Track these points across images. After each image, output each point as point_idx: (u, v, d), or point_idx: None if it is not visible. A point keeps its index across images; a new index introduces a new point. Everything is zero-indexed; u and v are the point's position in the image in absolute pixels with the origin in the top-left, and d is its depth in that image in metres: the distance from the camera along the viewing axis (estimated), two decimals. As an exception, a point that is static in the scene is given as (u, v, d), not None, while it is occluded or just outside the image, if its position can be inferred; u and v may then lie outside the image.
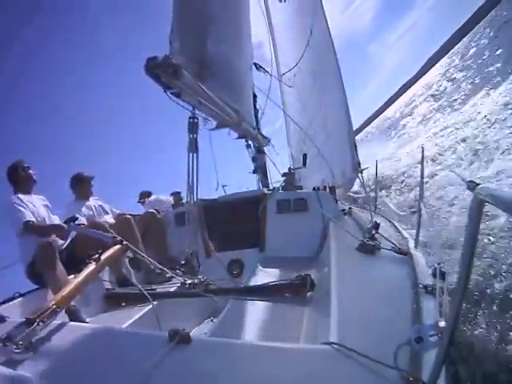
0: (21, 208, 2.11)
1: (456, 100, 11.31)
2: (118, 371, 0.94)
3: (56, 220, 2.39)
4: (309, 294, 1.77)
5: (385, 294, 1.26)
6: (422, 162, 2.10)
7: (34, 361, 1.01)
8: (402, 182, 7.61)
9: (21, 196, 2.20)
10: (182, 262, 2.51)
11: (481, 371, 2.23)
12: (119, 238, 1.93)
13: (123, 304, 2.12)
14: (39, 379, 0.91)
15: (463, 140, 7.66)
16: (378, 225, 2.08)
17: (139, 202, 4.25)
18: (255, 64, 4.40)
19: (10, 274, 2.20)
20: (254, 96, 4.34)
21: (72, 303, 1.74)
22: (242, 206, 3.19)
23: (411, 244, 1.93)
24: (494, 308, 2.76)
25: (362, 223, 2.45)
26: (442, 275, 1.43)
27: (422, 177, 2.12)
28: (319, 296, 1.67)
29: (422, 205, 2.01)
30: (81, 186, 2.84)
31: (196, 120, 2.25)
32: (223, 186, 3.59)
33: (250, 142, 4.41)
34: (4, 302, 1.86)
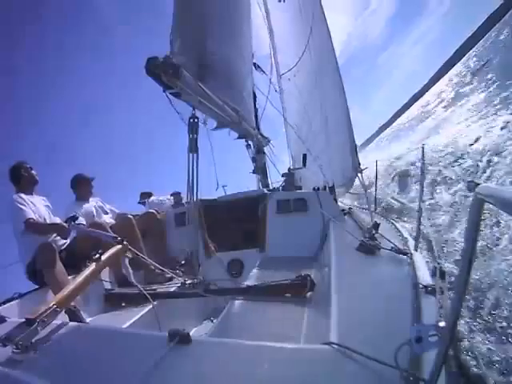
0: (22, 206, 2.11)
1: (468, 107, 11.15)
2: (118, 371, 0.94)
3: (57, 221, 2.39)
4: (309, 294, 1.77)
5: (385, 294, 1.25)
6: (422, 161, 2.10)
7: (33, 361, 1.01)
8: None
9: (23, 195, 2.20)
10: (182, 262, 2.51)
11: (481, 371, 2.23)
12: (120, 238, 1.93)
13: (123, 304, 2.12)
14: (39, 379, 0.91)
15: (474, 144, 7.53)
16: (378, 225, 2.08)
17: (140, 202, 4.26)
18: (254, 64, 4.41)
19: (10, 274, 2.20)
20: (254, 96, 4.35)
21: (72, 303, 1.74)
22: (241, 206, 3.19)
23: (411, 244, 1.93)
24: (494, 308, 2.76)
25: (362, 223, 2.45)
26: (442, 275, 1.43)
27: (423, 176, 2.12)
28: (319, 296, 1.67)
29: (422, 205, 2.01)
30: (81, 186, 2.85)
31: (196, 120, 2.25)
32: (223, 186, 3.59)
33: (250, 142, 4.42)
34: (4, 302, 1.85)
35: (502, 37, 15.11)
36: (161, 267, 2.21)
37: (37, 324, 1.13)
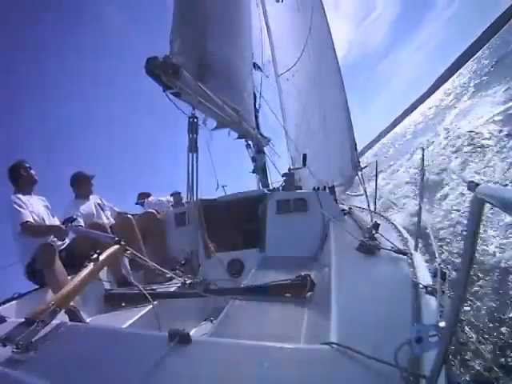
0: (20, 208, 2.11)
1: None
2: (118, 371, 0.94)
3: (56, 221, 2.39)
4: (309, 294, 1.77)
5: (385, 294, 1.25)
6: (422, 163, 2.10)
7: (33, 361, 1.01)
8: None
9: (21, 196, 2.20)
10: (182, 262, 2.51)
11: (481, 371, 2.23)
12: (118, 238, 1.93)
13: (123, 304, 2.12)
14: (39, 379, 0.91)
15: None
16: (378, 225, 2.08)
17: (137, 203, 4.25)
18: (254, 64, 4.41)
19: (10, 274, 2.20)
20: (254, 96, 4.35)
21: (72, 303, 1.74)
22: (241, 206, 3.19)
23: (411, 244, 1.93)
24: (494, 308, 2.76)
25: (362, 223, 2.45)
26: (443, 275, 1.43)
27: (423, 177, 2.12)
28: (319, 296, 1.67)
29: (422, 205, 2.01)
30: (81, 184, 2.84)
31: (196, 120, 2.25)
32: (223, 186, 3.59)
33: (249, 142, 4.42)
34: (4, 302, 1.85)
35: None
36: (160, 267, 2.22)
37: (36, 324, 1.13)
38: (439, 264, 1.48)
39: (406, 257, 1.62)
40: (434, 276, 1.41)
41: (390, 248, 1.73)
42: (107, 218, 2.88)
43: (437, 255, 1.74)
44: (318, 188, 3.34)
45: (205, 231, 3.00)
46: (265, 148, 4.58)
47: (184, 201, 3.62)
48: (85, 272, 1.57)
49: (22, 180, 2.29)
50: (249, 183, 4.88)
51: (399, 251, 1.68)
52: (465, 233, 0.68)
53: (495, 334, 2.51)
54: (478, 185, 0.68)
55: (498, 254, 3.41)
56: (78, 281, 1.52)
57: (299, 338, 1.32)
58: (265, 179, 4.63)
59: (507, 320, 2.57)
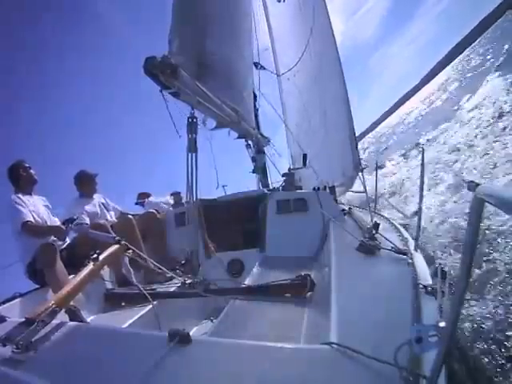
0: (20, 208, 2.11)
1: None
2: (118, 371, 0.94)
3: (56, 221, 2.39)
4: (309, 294, 1.77)
5: (385, 294, 1.25)
6: (422, 162, 2.10)
7: (33, 361, 1.01)
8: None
9: (21, 196, 2.20)
10: (182, 262, 2.51)
11: (481, 371, 2.23)
12: (118, 237, 1.93)
13: (123, 304, 2.12)
14: (39, 379, 0.91)
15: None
16: (378, 225, 2.08)
17: (137, 203, 4.25)
18: (255, 63, 4.40)
19: (10, 274, 2.20)
20: (254, 96, 4.34)
21: (72, 303, 1.75)
22: (241, 206, 3.19)
23: (411, 244, 1.93)
24: (494, 307, 2.76)
25: (362, 223, 2.45)
26: (443, 275, 1.43)
27: (422, 177, 2.12)
28: (319, 296, 1.67)
29: (422, 205, 2.01)
30: (84, 183, 2.83)
31: (195, 120, 2.25)
32: (223, 186, 3.59)
33: (249, 142, 4.41)
34: (4, 302, 1.85)
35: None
36: (161, 267, 2.21)
37: (36, 324, 1.13)
38: (439, 264, 1.48)
39: (406, 257, 1.62)
40: (435, 275, 1.41)
41: (390, 248, 1.73)
42: (111, 218, 2.88)
43: (436, 255, 1.74)
44: (318, 188, 3.34)
45: (205, 231, 3.00)
46: (265, 148, 4.58)
47: (184, 201, 3.62)
48: (85, 272, 1.57)
49: (21, 180, 2.28)
50: (249, 183, 4.88)
51: (399, 251, 1.68)
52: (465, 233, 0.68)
53: (495, 333, 2.50)
54: (478, 185, 0.68)
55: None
56: (77, 281, 1.52)
57: (299, 338, 1.32)
58: (265, 179, 4.62)
59: (507, 320, 2.57)
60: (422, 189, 2.12)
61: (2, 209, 2.23)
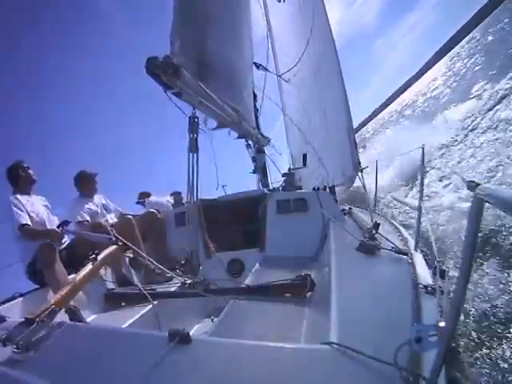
0: (17, 210, 2.11)
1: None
2: (118, 371, 0.94)
3: (55, 220, 2.39)
4: (309, 294, 1.77)
5: (385, 294, 1.25)
6: (422, 162, 2.10)
7: (33, 361, 1.01)
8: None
9: (19, 197, 2.20)
10: (182, 262, 2.51)
11: (481, 371, 2.23)
12: (116, 238, 1.93)
13: (123, 304, 2.13)
14: (39, 379, 0.91)
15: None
16: (378, 225, 2.08)
17: (138, 202, 4.25)
18: (255, 63, 4.41)
19: (10, 274, 2.20)
20: (254, 96, 4.35)
21: (72, 303, 1.75)
22: (241, 206, 3.19)
23: (411, 244, 1.93)
24: (494, 307, 2.76)
25: (362, 223, 2.45)
26: (442, 274, 1.43)
27: (422, 177, 2.12)
28: (319, 296, 1.67)
29: (422, 205, 2.01)
30: (84, 183, 2.83)
31: (196, 120, 2.25)
32: (223, 186, 3.59)
33: (250, 142, 4.42)
34: (4, 302, 1.85)
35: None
36: (161, 267, 2.21)
37: (36, 324, 1.13)
38: (439, 263, 1.48)
39: (406, 257, 1.62)
40: (434, 275, 1.41)
41: (390, 248, 1.73)
42: (111, 219, 2.88)
43: (436, 255, 1.74)
44: (318, 188, 3.34)
45: (205, 231, 3.00)
46: (265, 148, 4.59)
47: (184, 201, 3.62)
48: (83, 272, 1.58)
49: (20, 180, 2.29)
50: (249, 183, 4.88)
51: (399, 251, 1.69)
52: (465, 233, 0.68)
53: (495, 333, 2.51)
54: (478, 185, 0.68)
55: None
56: (76, 281, 1.52)
57: (299, 338, 1.32)
58: (265, 179, 4.63)
59: (507, 320, 2.57)
60: (422, 189, 2.12)
61: (1, 209, 2.23)
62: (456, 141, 7.97)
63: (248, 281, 2.12)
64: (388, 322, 1.05)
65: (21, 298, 1.92)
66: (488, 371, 2.22)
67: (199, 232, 2.81)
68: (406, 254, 1.64)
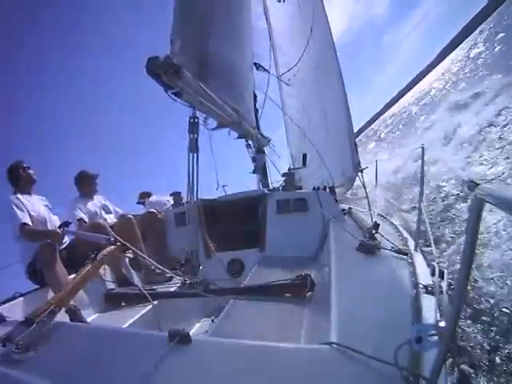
0: (18, 210, 2.10)
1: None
2: (118, 371, 0.94)
3: (56, 220, 2.39)
4: (309, 294, 1.77)
5: (385, 294, 1.26)
6: (422, 162, 2.10)
7: (33, 361, 1.01)
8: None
9: (20, 196, 2.19)
10: (182, 262, 2.51)
11: (481, 371, 2.23)
12: (114, 238, 1.93)
13: (123, 304, 2.13)
14: (39, 379, 0.91)
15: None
16: (378, 225, 2.08)
17: (138, 202, 4.25)
18: (255, 64, 4.41)
19: (10, 274, 2.20)
20: (254, 96, 4.35)
21: (72, 303, 1.75)
22: (241, 206, 3.19)
23: (411, 244, 1.93)
24: (494, 307, 2.76)
25: (362, 223, 2.45)
26: (441, 275, 1.43)
27: (422, 177, 2.12)
28: (319, 296, 1.67)
29: (422, 205, 2.01)
30: (84, 183, 2.83)
31: (196, 120, 2.25)
32: (223, 186, 3.59)
33: (250, 142, 4.41)
34: (4, 302, 1.85)
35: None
36: (160, 267, 2.21)
37: (36, 324, 1.13)
38: (438, 263, 1.48)
39: (406, 257, 1.62)
40: (433, 275, 1.41)
41: (390, 248, 1.73)
42: (110, 220, 2.88)
43: (436, 255, 1.74)
44: (318, 188, 3.34)
45: (205, 231, 3.00)
46: (265, 148, 4.58)
47: (184, 201, 3.62)
48: (82, 272, 1.58)
49: (21, 180, 2.29)
50: (249, 183, 4.88)
51: (399, 251, 1.69)
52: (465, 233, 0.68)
53: (496, 332, 2.51)
54: (478, 185, 0.68)
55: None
56: (75, 281, 1.53)
57: (299, 338, 1.32)
58: (265, 179, 4.62)
59: (507, 319, 2.57)
60: (422, 189, 2.12)
61: (1, 209, 2.23)
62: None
63: (248, 281, 2.12)
64: (388, 322, 1.05)
65: (21, 298, 1.92)
66: (488, 371, 2.22)
67: (199, 232, 2.81)
68: (406, 254, 1.64)
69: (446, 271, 1.70)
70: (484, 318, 2.71)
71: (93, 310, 2.11)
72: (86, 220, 2.59)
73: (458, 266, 3.15)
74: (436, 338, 0.73)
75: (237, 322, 1.60)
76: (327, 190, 3.45)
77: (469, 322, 2.70)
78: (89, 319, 1.94)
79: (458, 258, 3.53)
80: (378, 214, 3.20)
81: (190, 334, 1.00)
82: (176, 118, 2.23)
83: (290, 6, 5.26)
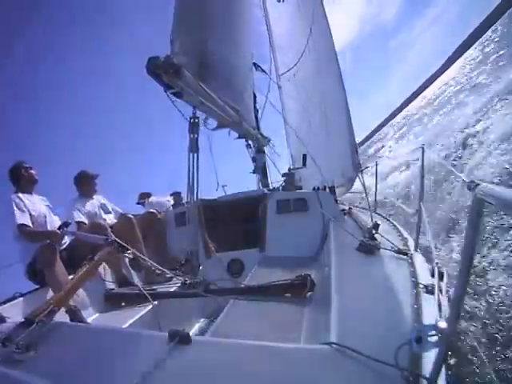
0: (18, 210, 2.10)
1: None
2: (118, 371, 0.94)
3: (56, 220, 2.39)
4: (309, 294, 1.77)
5: (385, 294, 1.26)
6: (422, 162, 2.10)
7: (34, 361, 1.01)
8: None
9: (21, 195, 2.20)
10: (182, 262, 2.51)
11: (481, 371, 2.23)
12: (111, 238, 1.94)
13: (123, 304, 2.13)
14: (39, 379, 0.91)
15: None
16: (378, 225, 2.09)
17: (138, 203, 4.26)
18: (254, 64, 4.41)
19: (10, 274, 2.20)
20: (254, 96, 4.35)
21: (72, 303, 1.75)
22: (241, 206, 3.19)
23: (411, 244, 1.93)
24: (494, 307, 2.76)
25: (362, 223, 2.45)
26: (441, 275, 1.43)
27: (422, 177, 2.12)
28: (319, 296, 1.67)
29: (422, 205, 2.01)
30: (84, 183, 2.83)
31: (196, 120, 2.26)
32: (223, 186, 3.60)
33: (250, 142, 4.42)
34: (4, 302, 1.85)
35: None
36: (160, 267, 2.21)
37: (36, 324, 1.13)
38: (437, 264, 1.48)
39: (406, 257, 1.62)
40: (433, 276, 1.41)
41: (390, 248, 1.73)
42: (110, 220, 2.87)
43: (436, 255, 1.74)
44: (318, 188, 3.34)
45: (205, 231, 3.00)
46: (265, 148, 4.59)
47: (184, 201, 3.63)
48: (80, 273, 1.59)
49: (23, 180, 2.29)
50: (249, 183, 4.89)
51: (399, 251, 1.69)
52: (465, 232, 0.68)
53: (496, 332, 2.50)
54: (478, 185, 0.68)
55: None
56: (73, 281, 1.53)
57: (299, 338, 1.32)
58: (265, 179, 4.63)
59: (508, 319, 2.57)
60: (422, 189, 2.12)
61: (2, 208, 2.23)
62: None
63: (248, 281, 2.12)
64: (388, 322, 1.05)
65: (21, 298, 1.92)
66: (488, 371, 2.22)
67: (199, 232, 2.81)
68: (406, 254, 1.64)
69: (445, 271, 1.70)
70: (484, 317, 2.71)
71: (93, 310, 2.11)
72: (86, 222, 2.59)
73: (457, 266, 3.14)
74: (436, 338, 0.73)
75: (237, 322, 1.60)
76: (327, 189, 3.45)
77: (469, 322, 2.70)
78: (89, 319, 1.95)
79: (458, 258, 3.53)
80: (378, 214, 3.21)
81: (190, 334, 1.00)
82: (176, 117, 2.23)
83: (290, 6, 5.26)
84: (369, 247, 1.75)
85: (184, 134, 2.25)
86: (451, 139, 7.96)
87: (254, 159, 4.57)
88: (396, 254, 1.67)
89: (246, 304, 1.78)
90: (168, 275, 2.33)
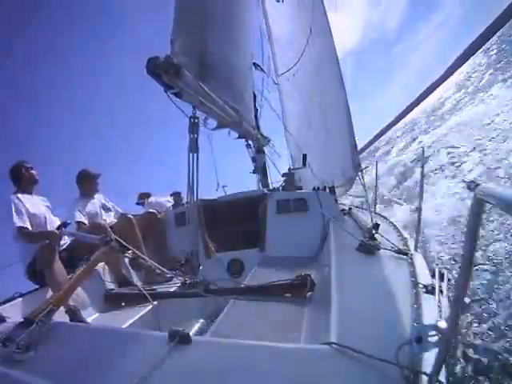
0: (16, 211, 2.09)
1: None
2: (118, 371, 0.94)
3: (56, 221, 2.39)
4: (309, 294, 1.77)
5: (385, 294, 1.25)
6: (422, 162, 2.10)
7: (34, 361, 1.01)
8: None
9: (20, 196, 2.19)
10: (182, 262, 2.51)
11: (481, 371, 2.23)
12: (110, 238, 1.94)
13: (123, 304, 2.13)
14: (39, 379, 0.91)
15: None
16: (378, 225, 2.09)
17: (138, 203, 4.25)
18: (254, 63, 4.41)
19: (10, 274, 2.20)
20: (254, 96, 4.35)
21: (72, 303, 1.75)
22: (241, 206, 3.19)
23: (411, 244, 1.93)
24: (494, 307, 2.76)
25: (362, 223, 2.45)
26: (441, 275, 1.43)
27: (422, 177, 2.12)
28: (319, 296, 1.67)
29: (422, 205, 2.01)
30: (85, 182, 2.82)
31: (196, 120, 2.25)
32: (223, 186, 3.59)
33: (250, 142, 4.41)
34: (4, 302, 1.85)
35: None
36: (160, 267, 2.21)
37: (36, 324, 1.13)
38: (437, 263, 1.48)
39: (405, 257, 1.62)
40: (433, 276, 1.41)
41: (390, 248, 1.73)
42: (109, 219, 2.87)
43: (436, 255, 1.74)
44: (318, 188, 3.34)
45: (205, 231, 3.00)
46: (265, 148, 4.58)
47: (184, 201, 3.62)
48: (77, 272, 1.59)
49: (23, 180, 2.28)
50: (249, 183, 4.89)
51: (399, 251, 1.69)
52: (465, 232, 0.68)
53: (496, 332, 2.50)
54: (477, 185, 0.68)
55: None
56: (71, 281, 1.54)
57: (299, 338, 1.32)
58: (265, 179, 4.63)
59: (508, 319, 2.57)
60: (422, 189, 2.12)
61: (2, 208, 2.23)
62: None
63: (248, 281, 2.12)
64: (388, 322, 1.05)
65: (21, 298, 1.92)
66: (488, 371, 2.22)
67: (199, 232, 2.81)
68: (406, 254, 1.64)
69: (445, 271, 1.70)
70: (484, 317, 2.71)
71: (93, 310, 2.11)
72: (86, 222, 2.59)
73: (458, 266, 3.14)
74: (436, 338, 0.73)
75: (237, 322, 1.60)
76: (327, 189, 3.45)
77: (469, 322, 2.70)
78: (89, 319, 1.94)
79: (458, 257, 3.53)
80: (378, 214, 3.21)
81: (190, 334, 1.00)
82: (176, 117, 2.23)
83: (289, 6, 5.25)
84: (369, 247, 1.75)
85: (184, 133, 2.25)
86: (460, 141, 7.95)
87: (253, 159, 4.57)
88: (396, 254, 1.67)
89: (246, 304, 1.78)
90: (168, 275, 2.33)
